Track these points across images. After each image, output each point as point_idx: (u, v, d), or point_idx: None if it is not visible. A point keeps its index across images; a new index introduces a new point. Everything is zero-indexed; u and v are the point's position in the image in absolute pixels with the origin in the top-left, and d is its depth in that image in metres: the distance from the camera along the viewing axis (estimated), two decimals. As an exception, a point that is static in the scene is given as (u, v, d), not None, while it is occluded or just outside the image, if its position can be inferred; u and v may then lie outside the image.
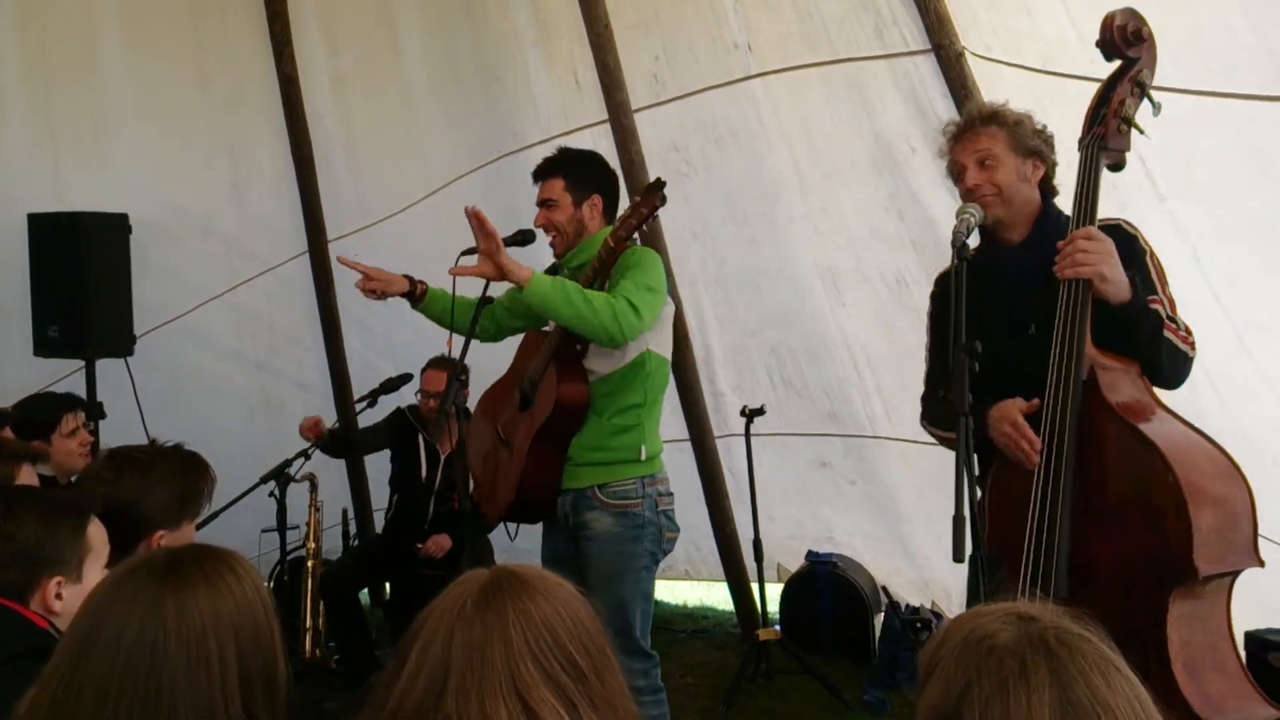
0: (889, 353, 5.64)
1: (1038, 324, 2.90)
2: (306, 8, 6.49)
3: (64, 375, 6.15)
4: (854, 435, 5.95)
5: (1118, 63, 3.03)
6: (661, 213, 5.62)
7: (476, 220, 3.56)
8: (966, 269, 3.36)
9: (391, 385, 5.72)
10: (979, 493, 2.93)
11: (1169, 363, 2.88)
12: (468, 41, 6.24)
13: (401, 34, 6.41)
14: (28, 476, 3.17)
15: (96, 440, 5.33)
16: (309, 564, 5.70)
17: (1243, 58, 4.00)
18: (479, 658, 1.49)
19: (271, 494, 5.33)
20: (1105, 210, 3.52)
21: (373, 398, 5.75)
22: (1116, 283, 2.80)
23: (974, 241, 2.99)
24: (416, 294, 4.07)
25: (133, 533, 2.61)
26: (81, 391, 5.74)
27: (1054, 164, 3.17)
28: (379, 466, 6.40)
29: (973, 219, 2.97)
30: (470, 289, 3.91)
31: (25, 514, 2.37)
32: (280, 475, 5.31)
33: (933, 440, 5.30)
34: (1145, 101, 3.00)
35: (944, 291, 3.33)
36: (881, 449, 5.87)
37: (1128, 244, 2.97)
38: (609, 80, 5.65)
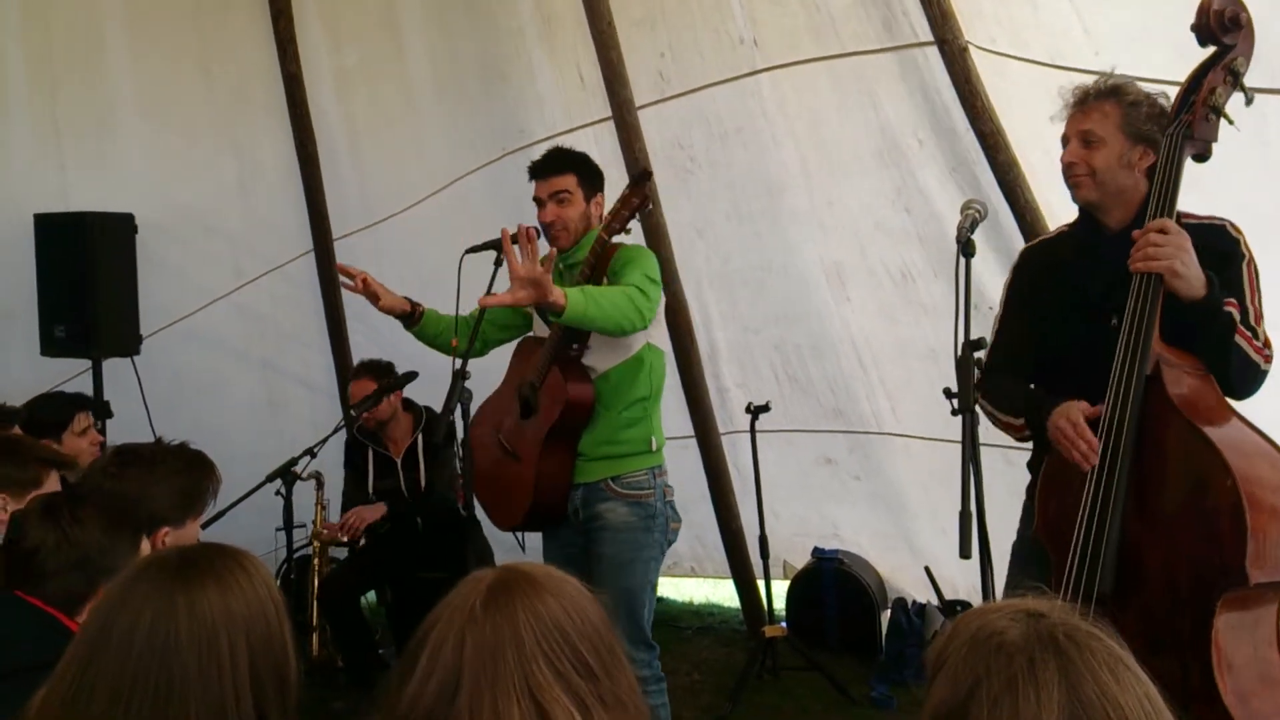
0: (894, 348, 5.64)
1: (1121, 317, 2.78)
2: (310, 6, 6.49)
3: (71, 376, 6.16)
4: (859, 431, 5.95)
5: (1211, 49, 2.91)
6: (666, 209, 5.68)
7: (527, 238, 3.45)
8: (1042, 248, 3.33)
9: (398, 382, 5.72)
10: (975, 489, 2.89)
11: (1237, 370, 2.78)
12: (471, 39, 6.24)
13: (405, 32, 6.41)
14: (53, 483, 3.17)
15: (104, 440, 5.35)
16: (314, 562, 5.71)
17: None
18: (491, 659, 1.49)
19: (278, 492, 5.33)
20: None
21: (378, 396, 5.75)
22: (1190, 279, 2.72)
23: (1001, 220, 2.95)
24: (414, 316, 4.06)
25: (137, 517, 2.60)
26: (88, 391, 5.77)
27: None
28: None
29: (978, 214, 2.95)
30: (470, 301, 3.91)
31: (91, 522, 2.38)
32: (286, 474, 5.31)
33: (935, 437, 5.37)
34: (1238, 92, 2.89)
35: (1030, 267, 3.27)
36: (886, 445, 5.87)
37: (1226, 244, 2.91)
38: (612, 77, 5.65)
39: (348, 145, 6.72)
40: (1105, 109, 2.99)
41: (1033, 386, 3.08)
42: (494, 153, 6.27)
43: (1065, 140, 3.07)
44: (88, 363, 5.94)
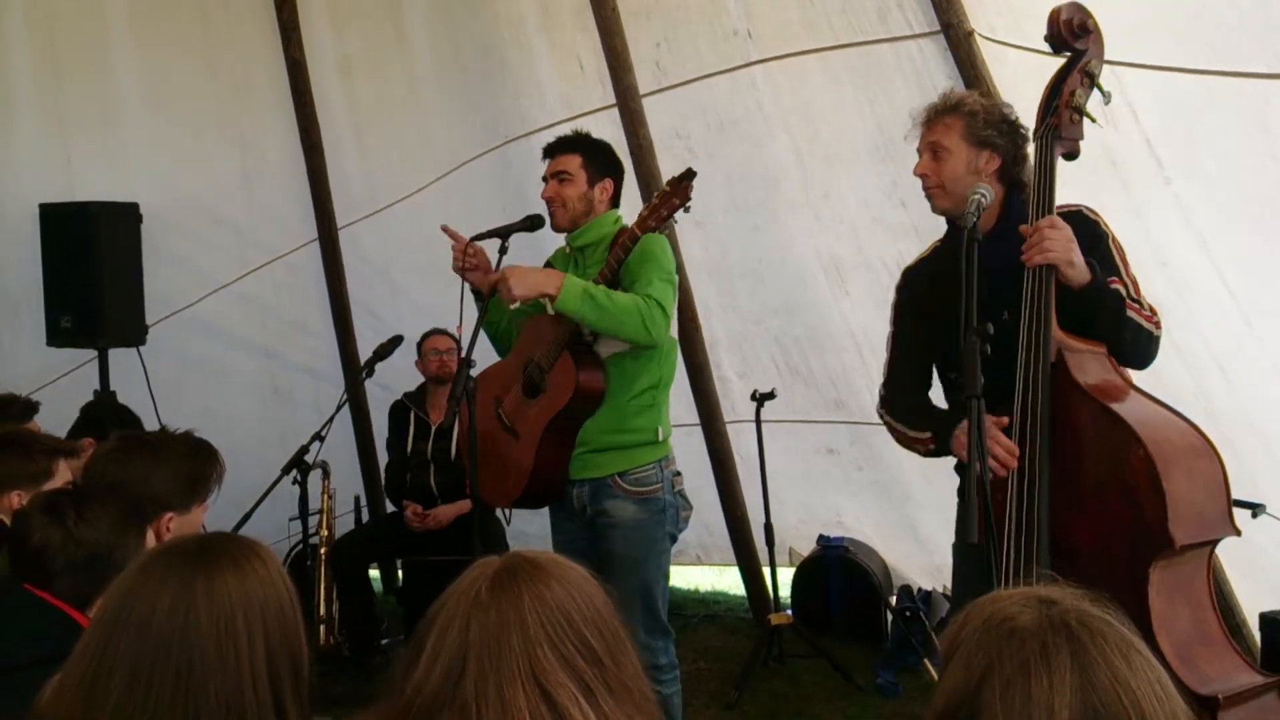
0: (894, 341, 5.63)
1: (1011, 311, 2.94)
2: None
3: (77, 365, 6.18)
4: (860, 422, 5.95)
5: (1066, 55, 3.11)
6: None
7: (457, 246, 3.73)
8: (921, 265, 3.50)
9: (385, 350, 5.76)
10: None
11: (1134, 342, 2.94)
12: (473, 26, 6.23)
13: (408, 18, 6.40)
14: (65, 471, 3.18)
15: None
16: (322, 551, 5.74)
17: (1248, 36, 3.98)
18: (496, 644, 1.50)
19: (295, 481, 5.37)
20: (1111, 191, 3.50)
21: (369, 367, 5.81)
22: (1079, 267, 2.87)
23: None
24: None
25: (141, 513, 2.61)
26: (95, 381, 5.79)
27: (1013, 154, 3.19)
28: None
29: (982, 199, 2.99)
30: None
31: (98, 521, 2.38)
32: (300, 463, 5.35)
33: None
34: (1095, 91, 3.08)
35: (913, 285, 3.46)
36: (888, 436, 5.84)
37: (1089, 228, 3.04)
38: (616, 63, 5.64)
39: (352, 132, 6.72)
40: (948, 121, 3.19)
41: (934, 402, 3.25)
42: (495, 139, 6.28)
43: (920, 154, 3.26)
44: (94, 352, 5.95)
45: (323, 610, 5.66)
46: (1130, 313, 2.91)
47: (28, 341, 6.08)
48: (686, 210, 3.81)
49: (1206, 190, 4.28)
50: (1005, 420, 2.86)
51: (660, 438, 3.93)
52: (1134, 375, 3.00)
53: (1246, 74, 3.97)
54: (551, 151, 4.06)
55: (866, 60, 5.15)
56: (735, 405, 6.13)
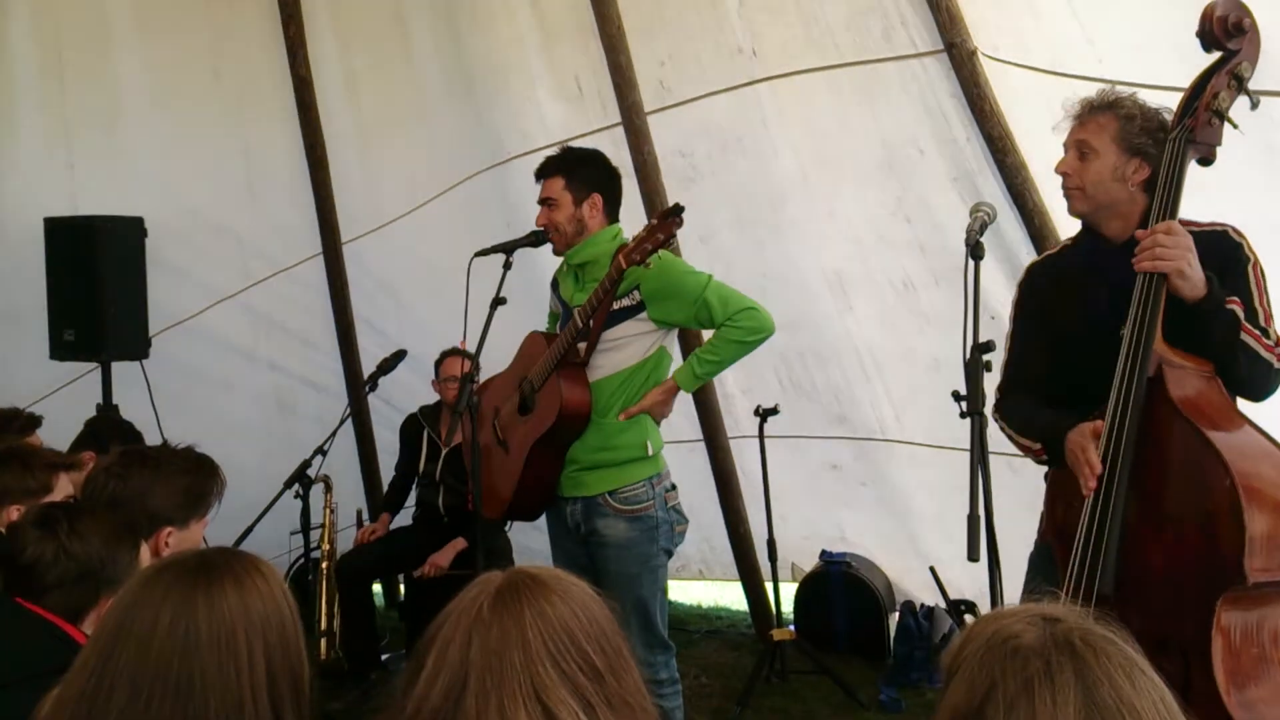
0: (897, 357, 5.63)
1: None
2: (320, 10, 6.49)
3: (78, 376, 6.19)
4: (864, 438, 5.95)
5: (1216, 54, 2.92)
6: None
7: None
8: (1047, 263, 3.32)
9: (388, 365, 5.79)
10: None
11: (1247, 368, 2.77)
12: (476, 45, 6.24)
13: (413, 36, 6.41)
14: (65, 485, 3.18)
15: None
16: (323, 566, 5.73)
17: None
18: (497, 660, 1.50)
19: (297, 495, 5.37)
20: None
21: (372, 381, 5.84)
22: (1193, 280, 2.72)
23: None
24: None
25: (140, 528, 2.61)
26: (97, 394, 5.79)
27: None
28: (393, 468, 6.42)
29: (987, 216, 2.95)
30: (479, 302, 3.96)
31: (90, 535, 2.37)
32: (302, 477, 5.35)
33: (941, 445, 5.37)
34: (1243, 96, 2.89)
35: (1035, 281, 3.26)
36: (891, 452, 5.86)
37: (1230, 250, 2.91)
38: (621, 80, 5.63)
39: (357, 148, 6.72)
40: (1101, 120, 3.00)
41: (1049, 407, 3.06)
42: (499, 156, 6.27)
43: (1065, 150, 3.09)
44: (96, 365, 5.96)
45: (323, 624, 5.65)
46: (1245, 336, 2.74)
47: (30, 354, 6.08)
48: (670, 245, 3.83)
49: (1210, 207, 4.27)
50: (1100, 426, 2.76)
51: (650, 452, 3.92)
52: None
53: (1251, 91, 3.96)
54: (537, 177, 4.09)
55: (871, 78, 5.15)
56: (739, 421, 6.12)
